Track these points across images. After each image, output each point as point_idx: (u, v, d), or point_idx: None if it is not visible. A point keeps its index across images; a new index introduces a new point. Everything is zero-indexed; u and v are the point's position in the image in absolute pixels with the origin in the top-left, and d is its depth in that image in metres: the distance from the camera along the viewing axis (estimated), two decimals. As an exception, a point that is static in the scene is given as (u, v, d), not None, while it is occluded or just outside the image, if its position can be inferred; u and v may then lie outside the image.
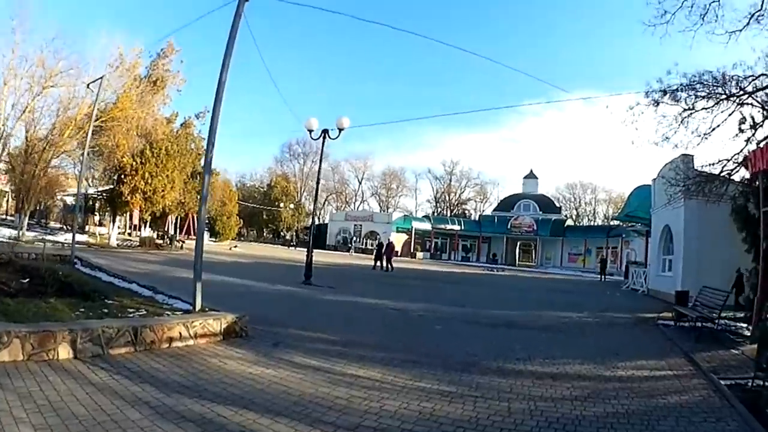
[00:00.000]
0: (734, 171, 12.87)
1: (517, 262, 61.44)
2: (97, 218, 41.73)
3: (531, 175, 68.32)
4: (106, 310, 6.95)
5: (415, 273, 29.79)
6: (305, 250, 48.57)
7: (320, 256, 39.53)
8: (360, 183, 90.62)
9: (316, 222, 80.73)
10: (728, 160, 12.71)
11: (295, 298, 13.28)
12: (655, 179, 22.32)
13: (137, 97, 27.94)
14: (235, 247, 43.29)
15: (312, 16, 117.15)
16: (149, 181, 30.49)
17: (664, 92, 12.85)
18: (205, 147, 32.70)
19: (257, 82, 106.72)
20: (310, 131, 16.60)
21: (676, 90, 12.76)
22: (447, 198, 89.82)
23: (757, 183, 10.18)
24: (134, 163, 29.76)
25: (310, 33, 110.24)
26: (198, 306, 7.50)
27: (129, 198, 30.51)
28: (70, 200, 40.64)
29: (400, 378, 5.88)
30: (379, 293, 15.93)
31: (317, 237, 66.40)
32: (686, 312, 11.26)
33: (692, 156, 16.05)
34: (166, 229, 41.35)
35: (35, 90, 24.58)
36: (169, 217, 40.43)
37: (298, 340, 7.60)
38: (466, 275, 32.87)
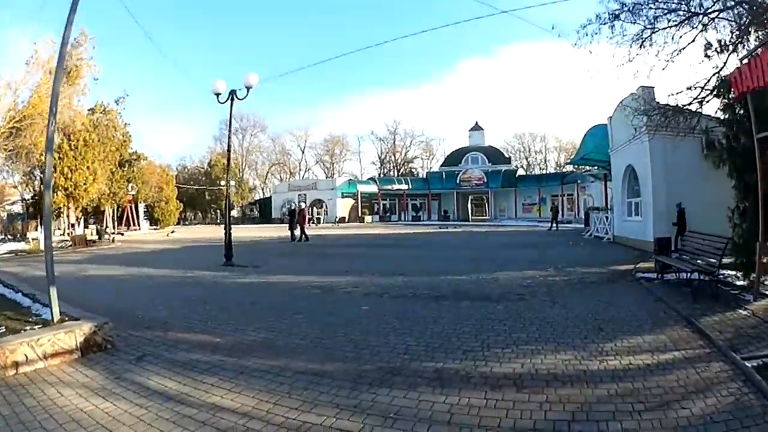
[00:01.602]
0: (705, 100, 11.14)
1: (470, 217, 60.29)
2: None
3: (477, 127, 65.93)
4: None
5: (357, 239, 28.42)
6: (247, 226, 45.97)
7: (263, 231, 38.15)
8: (303, 152, 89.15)
9: (261, 196, 78.43)
10: (702, 88, 10.91)
11: (203, 285, 11.70)
12: (611, 117, 20.60)
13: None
14: (172, 232, 42.80)
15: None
16: (69, 176, 29.96)
17: (623, 4, 11.00)
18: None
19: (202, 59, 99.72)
20: (217, 95, 15.49)
21: (636, 3, 10.93)
22: (393, 158, 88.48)
23: (738, 108, 8.71)
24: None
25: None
26: (56, 317, 6.16)
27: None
28: (17, 209, 39.57)
29: (281, 406, 4.22)
30: (307, 268, 14.55)
31: (263, 211, 64.22)
32: (674, 263, 9.47)
33: (653, 88, 14.77)
34: (104, 223, 40.68)
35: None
36: (106, 210, 40.66)
37: (172, 346, 6.24)
38: (414, 236, 30.89)
